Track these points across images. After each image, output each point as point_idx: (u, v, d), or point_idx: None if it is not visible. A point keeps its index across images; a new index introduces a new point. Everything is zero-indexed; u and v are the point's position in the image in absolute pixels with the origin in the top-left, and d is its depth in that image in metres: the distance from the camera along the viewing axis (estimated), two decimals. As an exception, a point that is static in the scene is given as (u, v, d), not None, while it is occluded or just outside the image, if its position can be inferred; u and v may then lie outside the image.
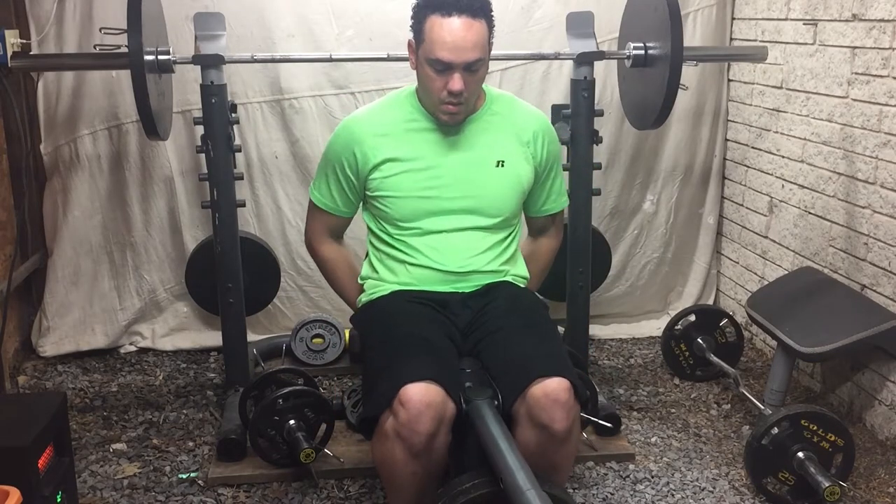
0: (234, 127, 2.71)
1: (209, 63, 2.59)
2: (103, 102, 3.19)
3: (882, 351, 2.66)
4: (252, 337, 3.21)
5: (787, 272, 3.15)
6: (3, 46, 2.83)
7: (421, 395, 1.80)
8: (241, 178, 2.79)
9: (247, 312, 2.91)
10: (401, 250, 2.16)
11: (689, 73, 3.26)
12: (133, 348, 3.43)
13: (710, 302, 3.74)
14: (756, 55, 2.98)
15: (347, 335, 3.24)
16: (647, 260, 3.65)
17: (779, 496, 2.39)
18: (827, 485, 2.24)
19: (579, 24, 2.80)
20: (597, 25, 2.81)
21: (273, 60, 3.07)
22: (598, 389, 2.73)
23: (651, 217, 3.60)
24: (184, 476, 2.53)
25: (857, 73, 2.74)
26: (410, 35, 2.07)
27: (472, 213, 2.14)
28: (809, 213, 3.04)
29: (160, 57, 2.51)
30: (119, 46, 2.55)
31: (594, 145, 2.81)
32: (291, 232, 3.38)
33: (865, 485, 2.48)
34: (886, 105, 2.61)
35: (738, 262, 3.58)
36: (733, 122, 3.54)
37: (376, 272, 2.21)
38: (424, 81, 2.06)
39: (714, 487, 2.48)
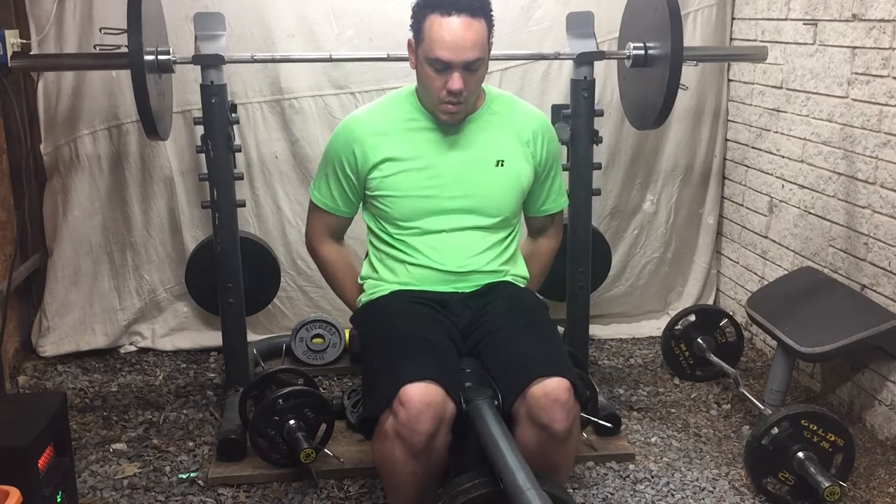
0: (234, 127, 2.71)
1: (209, 63, 2.59)
2: (103, 102, 3.19)
3: (882, 351, 2.66)
4: (252, 337, 3.21)
5: (787, 272, 3.15)
6: (3, 46, 2.83)
7: (421, 395, 1.80)
8: (241, 178, 2.79)
9: (247, 312, 2.91)
10: (401, 250, 2.16)
11: (689, 73, 3.26)
12: (133, 348, 3.43)
13: (710, 302, 3.74)
14: (756, 55, 2.98)
15: (347, 335, 3.24)
16: (647, 260, 3.65)
17: (779, 496, 2.39)
18: (827, 485, 2.24)
19: (579, 24, 2.80)
20: (597, 25, 2.81)
21: (273, 60, 3.07)
22: (598, 389, 2.73)
23: (651, 217, 3.60)
24: (184, 476, 2.53)
25: (857, 73, 2.74)
26: (410, 35, 2.07)
27: (471, 213, 2.14)
28: (809, 213, 3.04)
29: (160, 57, 2.51)
30: (119, 46, 2.55)
31: (594, 145, 2.81)
32: (291, 232, 3.38)
33: (865, 485, 2.48)
34: (886, 105, 2.61)
35: (738, 262, 3.58)
36: (733, 122, 3.54)
37: (376, 272, 2.21)
38: (424, 81, 2.06)
39: (714, 487, 2.48)
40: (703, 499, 2.43)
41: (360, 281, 2.27)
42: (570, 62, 2.78)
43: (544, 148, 2.23)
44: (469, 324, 2.10)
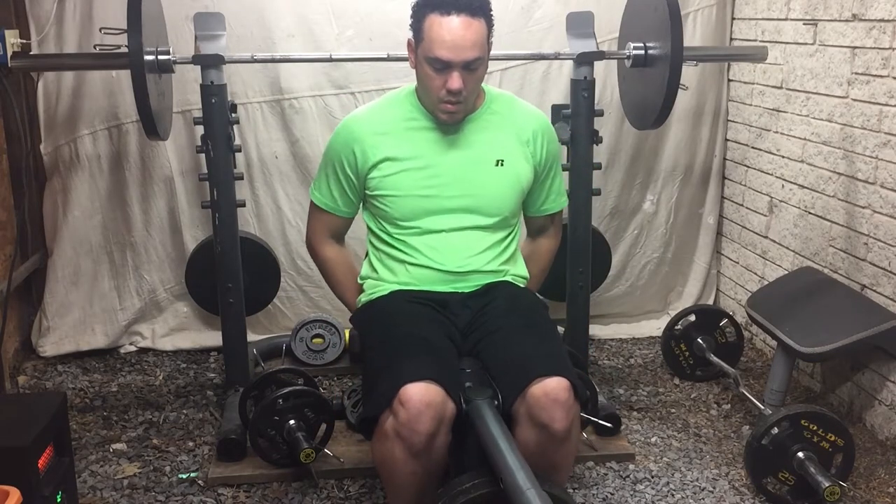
0: (234, 127, 2.71)
1: (209, 63, 2.59)
2: (103, 102, 3.19)
3: (882, 351, 2.66)
4: (252, 337, 3.21)
5: (787, 272, 3.15)
6: (3, 46, 2.83)
7: (421, 395, 1.80)
8: (241, 178, 2.79)
9: (247, 312, 2.91)
10: (400, 250, 2.16)
11: (689, 73, 3.26)
12: (133, 348, 3.43)
13: (710, 302, 3.74)
14: (756, 55, 2.98)
15: (347, 335, 3.24)
16: (647, 260, 3.65)
17: (779, 496, 2.39)
18: (827, 485, 2.24)
19: (579, 24, 2.80)
20: (597, 25, 2.81)
21: (273, 60, 3.07)
22: (598, 389, 2.73)
23: (651, 217, 3.60)
24: (184, 476, 2.53)
25: (857, 73, 2.74)
26: (410, 34, 2.07)
27: (471, 212, 2.14)
28: (809, 213, 3.04)
29: (160, 57, 2.51)
30: (119, 46, 2.55)
31: (594, 145, 2.81)
32: (291, 232, 3.38)
33: (865, 485, 2.48)
34: (886, 105, 2.61)
35: (738, 262, 3.58)
36: (733, 122, 3.54)
37: (376, 272, 2.21)
38: (423, 80, 2.06)
39: (714, 487, 2.48)
40: (703, 499, 2.43)
41: (359, 281, 2.27)
42: (570, 62, 2.78)
43: (544, 148, 2.23)
44: (469, 324, 2.10)
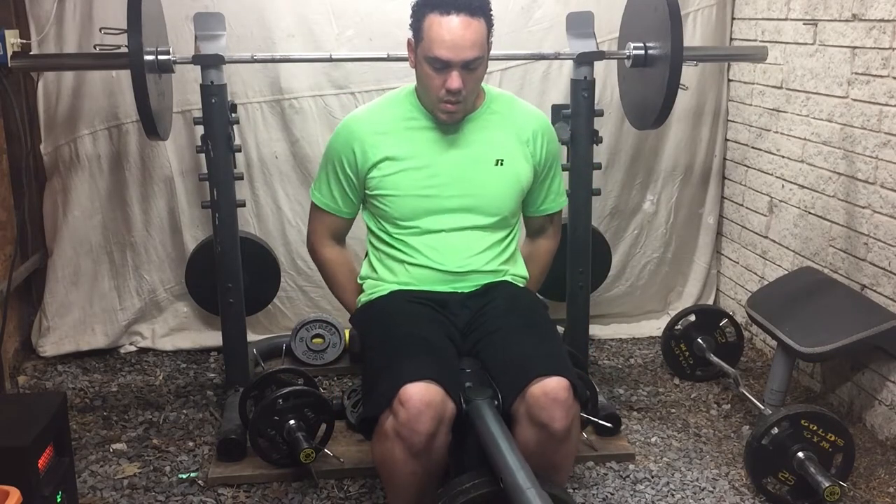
0: (234, 127, 2.71)
1: (209, 63, 2.59)
2: (103, 102, 3.19)
3: (882, 351, 2.66)
4: (252, 337, 3.21)
5: (787, 272, 3.15)
6: (3, 46, 2.83)
7: (421, 395, 1.80)
8: (241, 178, 2.79)
9: (247, 312, 2.91)
10: (400, 250, 2.16)
11: (689, 73, 3.26)
12: (133, 348, 3.43)
13: (710, 302, 3.74)
14: (756, 55, 2.98)
15: (347, 335, 3.24)
16: (647, 260, 3.65)
17: (779, 496, 2.39)
18: (827, 485, 2.24)
19: (579, 24, 2.80)
20: (597, 25, 2.81)
21: (273, 60, 3.07)
22: (598, 389, 2.73)
23: (651, 217, 3.60)
24: (184, 476, 2.53)
25: (857, 73, 2.74)
26: (410, 34, 2.07)
27: (470, 212, 2.14)
28: (809, 213, 3.04)
29: (160, 57, 2.51)
30: (119, 46, 2.55)
31: (594, 145, 2.81)
32: (291, 232, 3.38)
33: (865, 485, 2.48)
34: (886, 105, 2.61)
35: (738, 262, 3.58)
36: (733, 122, 3.54)
37: (375, 272, 2.21)
38: (423, 80, 2.06)
39: (714, 487, 2.48)
40: (703, 499, 2.43)
41: (359, 281, 2.27)
42: (570, 62, 2.78)
43: (544, 148, 2.23)
44: (468, 324, 2.10)
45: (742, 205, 3.51)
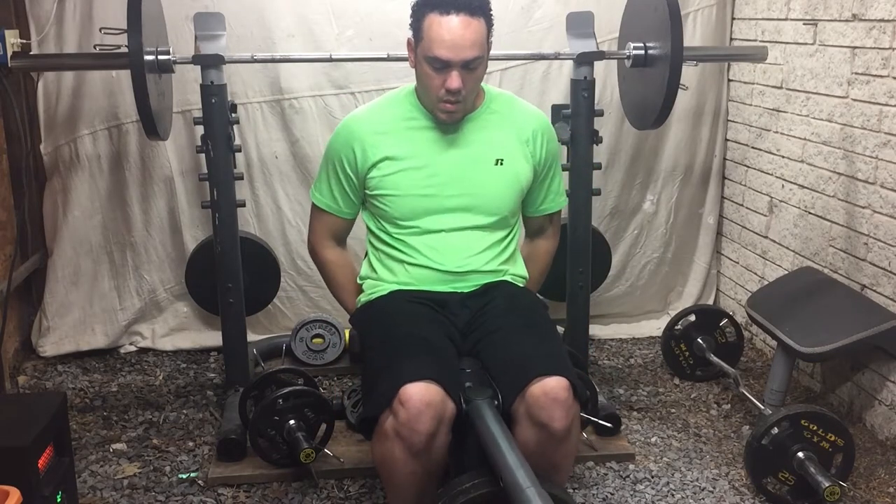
0: (234, 127, 2.71)
1: (209, 63, 2.59)
2: (103, 102, 3.19)
3: (882, 351, 2.66)
4: (252, 337, 3.21)
5: (787, 272, 3.15)
6: (3, 46, 2.83)
7: (421, 395, 1.80)
8: (241, 178, 2.79)
9: (247, 312, 2.91)
10: (400, 250, 2.16)
11: (689, 73, 3.26)
12: (133, 348, 3.43)
13: (710, 302, 3.74)
14: (756, 55, 2.98)
15: (347, 335, 3.24)
16: (647, 260, 3.65)
17: (779, 496, 2.38)
18: (827, 485, 2.24)
19: (579, 24, 2.80)
20: (597, 25, 2.81)
21: (273, 60, 3.07)
22: (598, 389, 2.73)
23: (651, 217, 3.60)
24: (184, 476, 2.53)
25: (857, 73, 2.74)
26: (410, 34, 2.07)
27: (470, 212, 2.14)
28: (809, 213, 3.04)
29: (160, 57, 2.51)
30: (119, 46, 2.55)
31: (594, 145, 2.81)
32: (291, 232, 3.38)
33: (865, 485, 2.48)
34: (886, 105, 2.61)
35: (738, 262, 3.58)
36: (733, 122, 3.54)
37: (375, 272, 2.21)
38: (423, 79, 2.06)
39: (714, 487, 2.48)
40: (703, 499, 2.43)
41: (359, 281, 2.27)
42: (570, 62, 2.78)
43: (544, 147, 2.23)
44: (468, 324, 2.10)
45: (742, 205, 3.51)
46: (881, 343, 2.60)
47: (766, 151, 3.30)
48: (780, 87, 3.16)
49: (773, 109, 3.22)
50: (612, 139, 3.42)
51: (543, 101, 3.24)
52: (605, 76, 3.29)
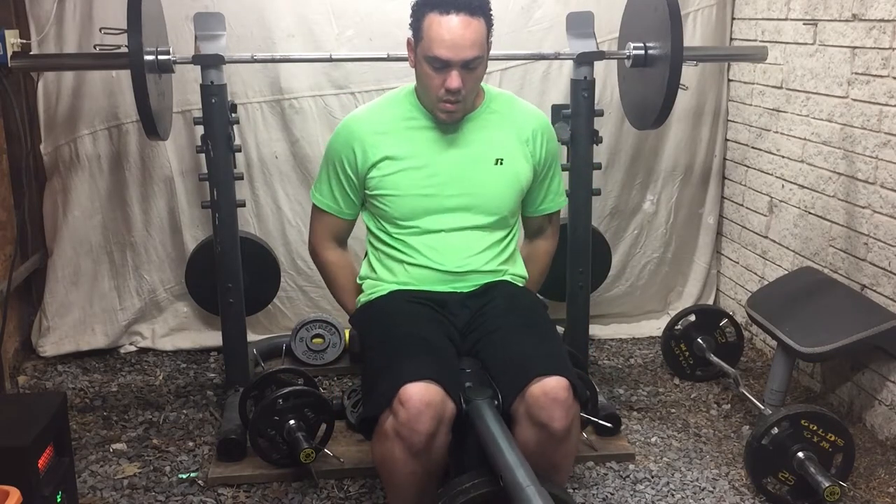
0: (234, 127, 2.71)
1: (209, 63, 2.59)
2: (103, 102, 3.19)
3: (882, 351, 2.66)
4: (252, 337, 3.21)
5: (787, 272, 3.15)
6: (3, 46, 2.83)
7: (420, 395, 1.80)
8: (241, 178, 2.79)
9: (247, 312, 2.91)
10: (399, 250, 2.16)
11: (689, 73, 3.26)
12: (133, 348, 3.43)
13: (710, 302, 3.74)
14: (756, 55, 2.98)
15: (347, 335, 3.24)
16: (647, 260, 3.65)
17: (779, 496, 2.38)
18: (827, 485, 2.24)
19: (579, 24, 2.80)
20: (597, 25, 2.81)
21: (273, 60, 3.07)
22: (598, 389, 2.73)
23: (651, 217, 3.60)
24: (184, 476, 2.53)
25: (857, 73, 2.74)
26: (409, 34, 2.07)
27: (470, 211, 2.14)
28: (809, 213, 3.04)
29: (160, 57, 2.51)
30: (119, 46, 2.55)
31: (594, 145, 2.81)
32: (291, 232, 3.38)
33: (865, 485, 2.48)
34: (886, 105, 2.61)
35: (738, 262, 3.58)
36: (733, 122, 3.54)
37: (375, 272, 2.21)
38: (423, 79, 2.06)
39: (714, 487, 2.48)
40: (703, 499, 2.43)
41: (358, 281, 2.27)
42: (570, 62, 2.78)
43: (543, 147, 2.23)
44: (468, 324, 2.10)
45: (742, 205, 3.51)
46: (881, 343, 2.60)
47: (766, 151, 3.30)
48: (780, 87, 3.16)
49: (773, 109, 3.22)
50: (612, 139, 3.42)
51: (543, 101, 3.24)
52: (605, 76, 3.29)
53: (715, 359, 3.05)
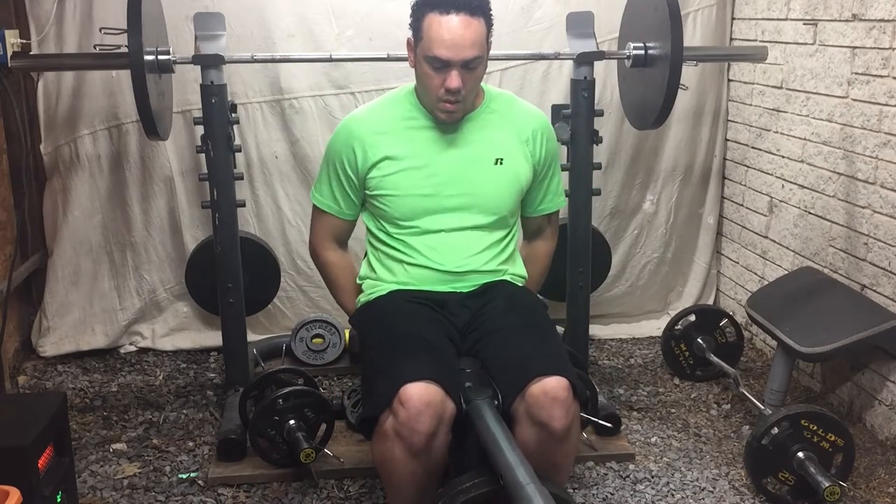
0: (234, 127, 2.71)
1: (209, 63, 2.59)
2: (103, 102, 3.19)
3: (882, 351, 2.66)
4: (252, 337, 3.21)
5: (787, 272, 3.15)
6: (3, 46, 2.83)
7: (420, 395, 1.80)
8: (241, 178, 2.79)
9: (247, 312, 2.91)
10: (399, 250, 2.16)
11: (689, 73, 3.26)
12: (133, 348, 3.43)
13: (710, 302, 3.74)
14: (756, 55, 2.98)
15: (347, 335, 3.24)
16: (647, 260, 3.65)
17: (779, 496, 2.38)
18: (827, 485, 2.24)
19: (579, 24, 2.80)
20: (597, 25, 2.81)
21: (273, 60, 3.07)
22: (598, 389, 2.73)
23: (651, 217, 3.60)
24: (184, 476, 2.53)
25: (857, 73, 2.74)
26: (409, 34, 2.07)
27: (469, 211, 2.14)
28: (809, 213, 3.04)
29: (160, 57, 2.51)
30: (119, 46, 2.55)
31: (594, 145, 2.81)
32: (291, 232, 3.38)
33: (865, 485, 2.48)
34: (886, 105, 2.61)
35: (738, 262, 3.58)
36: (733, 122, 3.54)
37: (374, 272, 2.21)
38: (423, 79, 2.06)
39: (714, 487, 2.48)
40: (703, 499, 2.43)
41: (358, 281, 2.27)
42: (570, 62, 2.78)
43: (543, 147, 2.23)
44: (468, 324, 2.10)
45: (742, 205, 3.51)
46: (881, 343, 2.60)
47: (766, 151, 3.30)
48: (780, 87, 3.16)
49: (773, 109, 3.22)
50: (612, 139, 3.42)
51: (543, 101, 3.24)
52: (605, 76, 3.29)
53: (715, 359, 3.05)
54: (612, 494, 2.44)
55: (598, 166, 2.87)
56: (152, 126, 2.41)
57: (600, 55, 2.74)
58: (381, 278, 2.19)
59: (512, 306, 2.09)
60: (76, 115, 3.19)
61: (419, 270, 2.14)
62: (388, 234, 2.17)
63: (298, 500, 2.41)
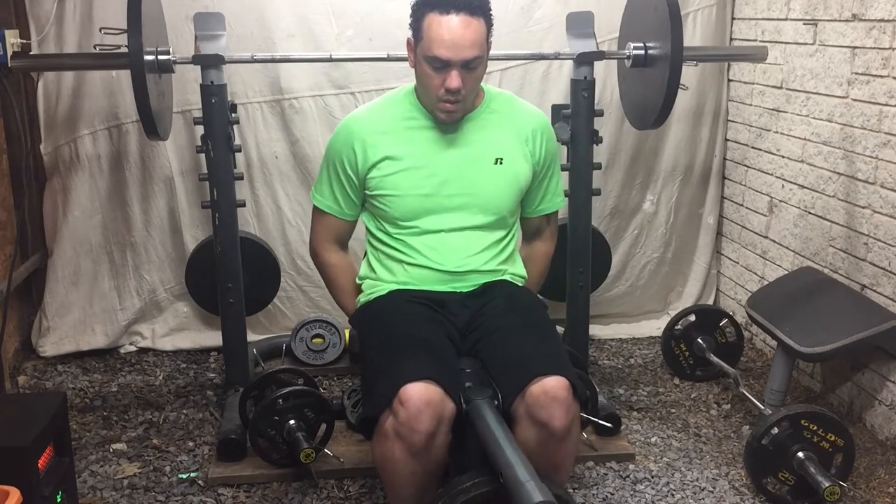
0: (234, 127, 2.71)
1: (209, 63, 2.59)
2: (103, 102, 3.19)
3: (882, 351, 2.66)
4: (252, 337, 3.21)
5: (787, 272, 3.15)
6: (3, 46, 2.83)
7: (420, 395, 1.80)
8: (241, 178, 2.79)
9: (247, 312, 2.91)
10: (399, 250, 2.16)
11: (689, 73, 3.26)
12: (133, 348, 3.43)
13: (710, 302, 3.74)
14: (756, 55, 2.98)
15: (347, 335, 3.24)
16: (647, 260, 3.65)
17: (779, 496, 2.38)
18: (827, 485, 2.24)
19: (579, 24, 2.80)
20: (597, 25, 2.81)
21: (273, 60, 3.07)
22: (598, 389, 2.73)
23: (651, 217, 3.60)
24: (184, 476, 2.53)
25: (857, 73, 2.74)
26: (409, 34, 2.07)
27: (469, 211, 2.14)
28: (809, 213, 3.04)
29: (160, 57, 2.51)
30: (119, 46, 2.55)
31: (594, 145, 2.81)
32: (291, 232, 3.38)
33: (865, 485, 2.48)
34: (886, 105, 2.61)
35: (738, 262, 3.58)
36: (733, 122, 3.54)
37: (374, 272, 2.21)
38: (423, 79, 2.06)
39: (714, 487, 2.48)
40: (703, 499, 2.43)
41: (358, 281, 2.27)
42: (570, 62, 2.78)
43: (543, 147, 2.23)
44: (467, 323, 2.10)
45: (742, 205, 3.51)
46: (881, 343, 2.60)
47: (766, 151, 3.30)
48: (780, 87, 3.16)
49: (773, 109, 3.22)
50: (612, 139, 3.42)
51: (543, 101, 3.24)
52: (605, 76, 3.29)
53: (715, 359, 3.05)
54: (612, 494, 2.44)
55: (598, 166, 2.87)
56: (152, 126, 2.41)
57: (600, 55, 2.74)
58: (380, 278, 2.19)
59: (512, 306, 2.09)
60: (76, 115, 3.19)
61: (419, 270, 2.14)
62: (387, 234, 2.17)
63: (298, 500, 2.41)
